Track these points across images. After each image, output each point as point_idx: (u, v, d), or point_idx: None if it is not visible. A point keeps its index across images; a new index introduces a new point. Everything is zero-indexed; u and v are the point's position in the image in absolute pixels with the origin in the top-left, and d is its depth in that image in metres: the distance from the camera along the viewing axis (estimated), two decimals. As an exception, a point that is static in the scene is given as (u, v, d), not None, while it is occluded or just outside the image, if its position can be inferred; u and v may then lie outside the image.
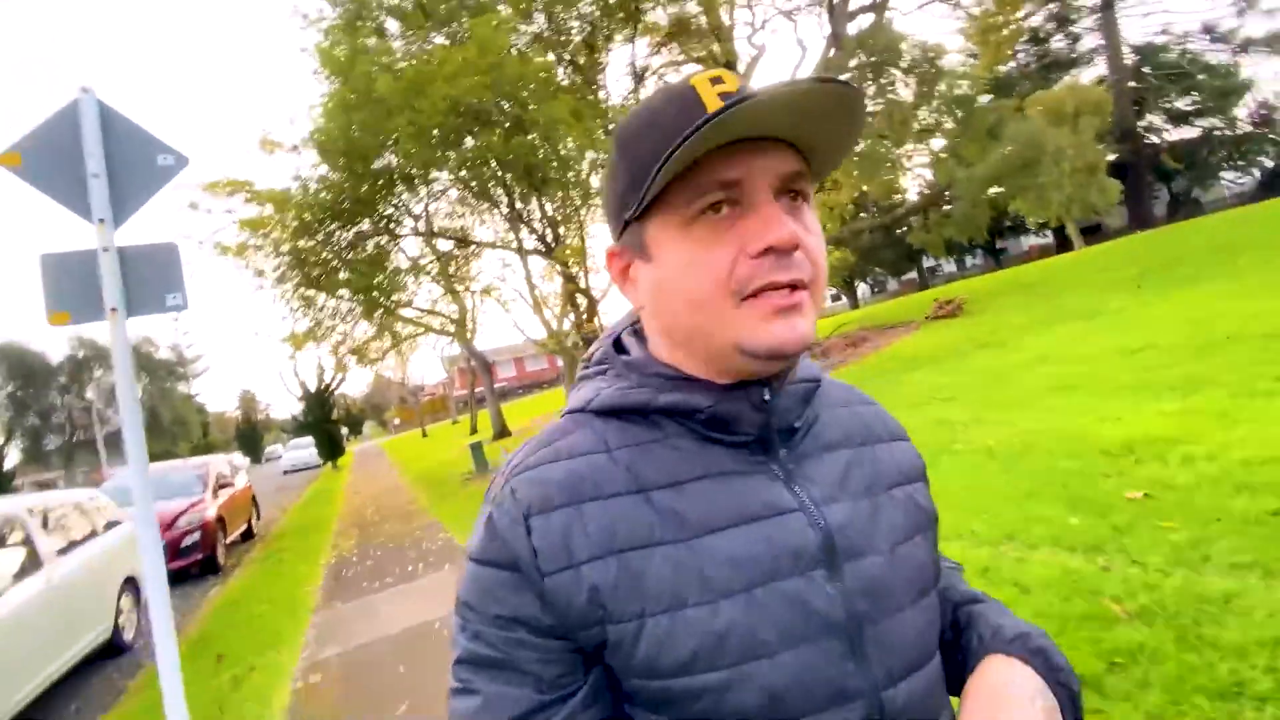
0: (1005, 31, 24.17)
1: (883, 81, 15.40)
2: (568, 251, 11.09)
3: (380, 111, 7.96)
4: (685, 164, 0.49)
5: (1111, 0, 28.00)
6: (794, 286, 0.51)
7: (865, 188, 21.69)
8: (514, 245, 11.39)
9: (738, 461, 0.56)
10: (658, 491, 0.53)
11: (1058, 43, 32.53)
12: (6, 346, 34.72)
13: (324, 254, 10.26)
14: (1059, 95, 19.20)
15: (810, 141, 0.52)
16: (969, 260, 48.78)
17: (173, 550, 8.04)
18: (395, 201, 10.66)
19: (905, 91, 15.95)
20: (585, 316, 12.46)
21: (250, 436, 48.42)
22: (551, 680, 0.51)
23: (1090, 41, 31.69)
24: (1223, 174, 32.06)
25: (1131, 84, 30.69)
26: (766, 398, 0.56)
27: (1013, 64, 33.55)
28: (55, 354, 36.97)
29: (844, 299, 51.92)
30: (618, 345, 0.64)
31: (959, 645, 0.63)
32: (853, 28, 16.82)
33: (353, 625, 4.91)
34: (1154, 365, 5.70)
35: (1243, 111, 30.23)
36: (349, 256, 11.04)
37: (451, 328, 17.87)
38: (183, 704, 2.77)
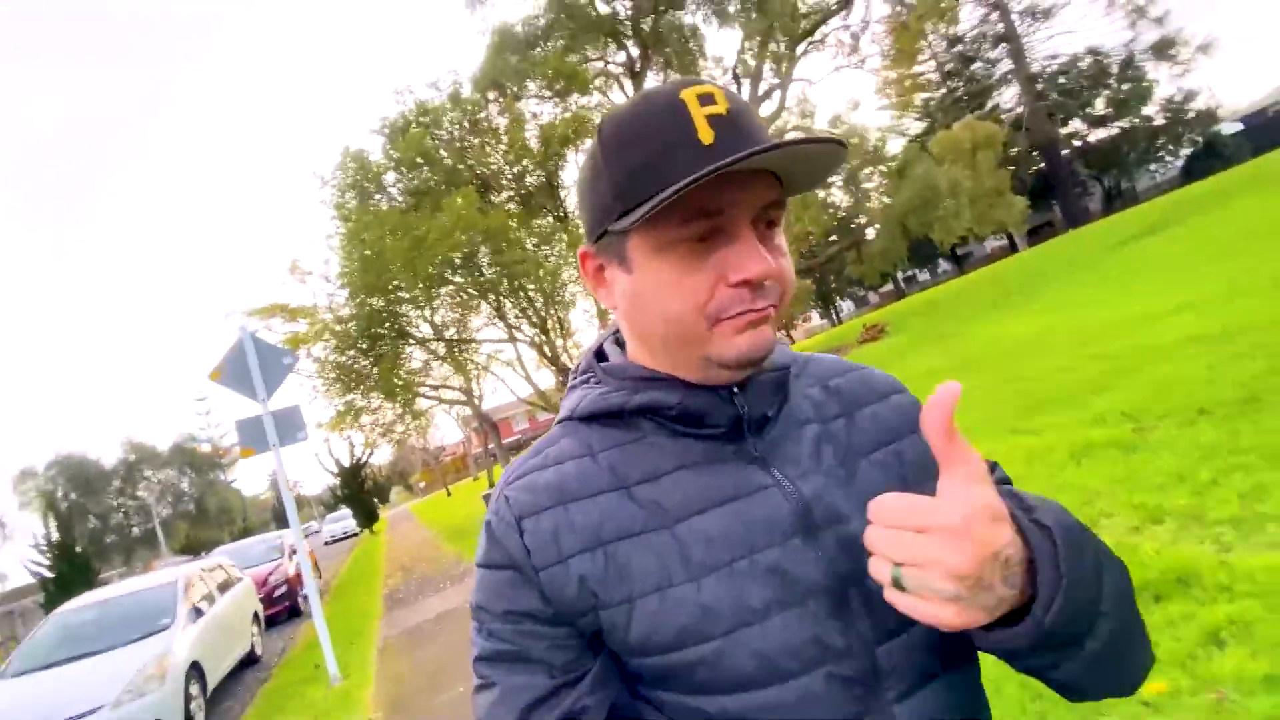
0: (907, 84, 27.64)
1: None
2: (542, 336, 14.22)
3: (387, 264, 11.13)
4: (673, 195, 0.49)
5: (1011, 34, 31.38)
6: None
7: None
8: (504, 335, 14.69)
9: (711, 451, 0.59)
10: (638, 486, 0.58)
11: (980, 68, 36.01)
12: (66, 459, 38.60)
13: (353, 363, 13.41)
14: (957, 134, 22.15)
15: (790, 175, 0.55)
16: (940, 266, 51.81)
17: (267, 600, 10.89)
18: (404, 317, 13.89)
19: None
20: (565, 381, 15.42)
21: (284, 516, 51.61)
22: (562, 665, 0.55)
23: (1007, 64, 35.12)
24: (1147, 166, 34.94)
25: (1054, 98, 33.96)
26: (735, 390, 0.59)
27: (943, 91, 37.05)
28: (109, 459, 40.90)
29: (826, 319, 54.80)
30: (600, 354, 0.69)
31: None
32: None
33: (406, 618, 7.71)
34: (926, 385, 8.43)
35: (1154, 109, 33.35)
36: (372, 357, 14.17)
37: (463, 397, 20.94)
38: (331, 651, 5.61)
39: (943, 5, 18.20)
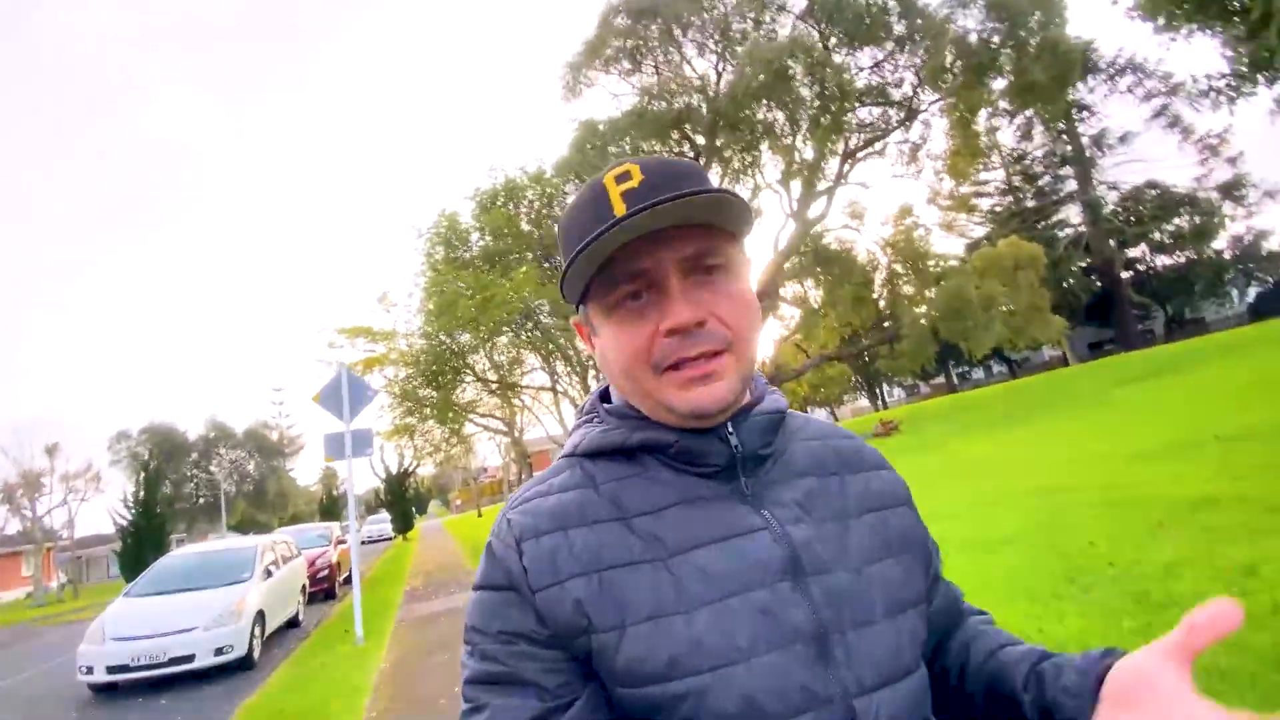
0: (961, 194, 29.00)
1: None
2: (582, 386, 16.23)
3: (459, 316, 13.49)
4: (596, 265, 0.58)
5: (1079, 157, 32.41)
6: (709, 355, 0.59)
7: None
8: (548, 383, 16.92)
9: (710, 488, 0.63)
10: (638, 518, 0.61)
11: (1047, 183, 36.92)
12: (157, 427, 43.24)
13: (417, 389, 15.81)
14: (1000, 250, 23.25)
15: (710, 221, 0.60)
16: (995, 368, 51.54)
17: (312, 580, 12.92)
18: (466, 357, 16.30)
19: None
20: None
21: (330, 510, 55.32)
22: (553, 689, 0.56)
23: (1073, 184, 35.91)
24: (1212, 298, 34.62)
25: (1117, 222, 34.43)
26: (730, 430, 0.63)
27: (1009, 200, 38.04)
28: (193, 433, 45.50)
29: (869, 401, 54.96)
30: (604, 396, 0.74)
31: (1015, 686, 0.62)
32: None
33: (420, 609, 9.49)
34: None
35: (1224, 244, 33.28)
36: (434, 386, 16.50)
37: (505, 428, 23.15)
38: (360, 620, 7.44)
39: (979, 149, 19.84)
